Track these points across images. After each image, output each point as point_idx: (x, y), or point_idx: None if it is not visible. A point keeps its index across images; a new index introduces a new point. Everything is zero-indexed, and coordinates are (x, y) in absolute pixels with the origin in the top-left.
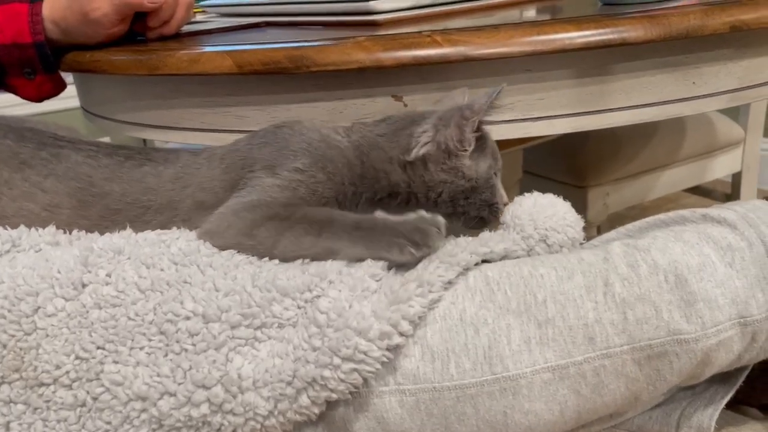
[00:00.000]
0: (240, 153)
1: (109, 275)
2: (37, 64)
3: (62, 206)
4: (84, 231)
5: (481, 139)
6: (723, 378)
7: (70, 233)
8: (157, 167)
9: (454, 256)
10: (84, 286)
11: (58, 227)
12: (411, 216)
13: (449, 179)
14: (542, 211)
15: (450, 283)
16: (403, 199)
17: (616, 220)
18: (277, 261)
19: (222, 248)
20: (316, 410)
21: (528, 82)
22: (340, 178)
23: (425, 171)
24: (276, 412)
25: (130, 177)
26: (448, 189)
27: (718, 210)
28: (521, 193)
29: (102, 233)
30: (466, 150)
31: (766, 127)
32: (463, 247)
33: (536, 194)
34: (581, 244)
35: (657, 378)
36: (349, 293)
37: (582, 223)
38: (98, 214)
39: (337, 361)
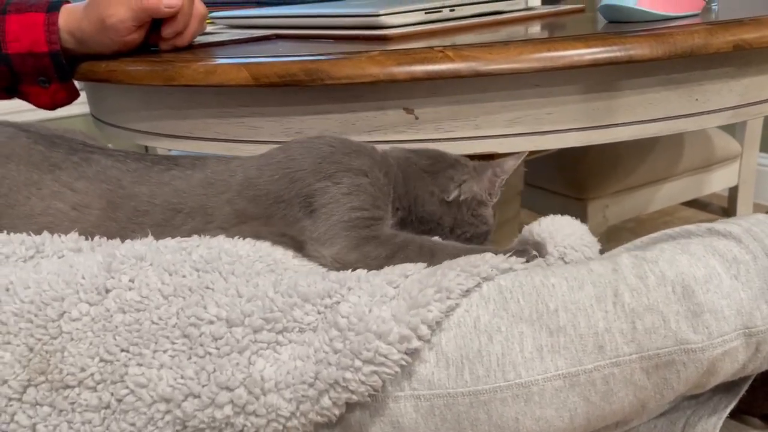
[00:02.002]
0: (282, 164)
1: (132, 281)
2: (52, 73)
3: (92, 206)
4: (112, 233)
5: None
6: (726, 387)
7: (97, 236)
8: (185, 171)
9: (476, 266)
10: (108, 291)
11: (86, 227)
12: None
13: (476, 223)
14: (561, 230)
15: (468, 291)
16: (431, 228)
17: (614, 232)
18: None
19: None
20: (337, 411)
21: (537, 96)
22: (390, 188)
23: (458, 212)
24: (298, 414)
25: (158, 179)
26: (472, 231)
27: (723, 224)
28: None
29: (129, 236)
30: (492, 201)
31: (763, 142)
32: (486, 260)
33: (554, 215)
34: None
35: (664, 386)
36: (368, 299)
37: (598, 246)
38: (126, 215)
39: (358, 363)
